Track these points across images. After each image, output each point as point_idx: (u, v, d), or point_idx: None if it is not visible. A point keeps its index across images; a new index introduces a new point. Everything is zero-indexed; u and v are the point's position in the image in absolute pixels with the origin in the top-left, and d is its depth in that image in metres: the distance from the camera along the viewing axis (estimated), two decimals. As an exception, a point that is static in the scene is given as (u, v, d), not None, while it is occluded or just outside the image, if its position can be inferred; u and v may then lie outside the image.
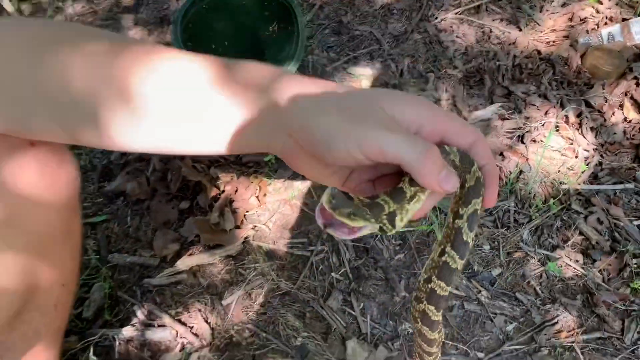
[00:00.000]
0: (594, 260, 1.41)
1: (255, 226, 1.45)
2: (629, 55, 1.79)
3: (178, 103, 0.57)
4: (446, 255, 0.56)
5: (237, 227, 1.44)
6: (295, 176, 1.55)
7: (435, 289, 0.57)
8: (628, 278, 1.37)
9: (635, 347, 1.28)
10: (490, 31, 1.93)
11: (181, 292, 1.34)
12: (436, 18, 1.95)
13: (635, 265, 1.38)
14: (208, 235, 1.41)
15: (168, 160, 1.51)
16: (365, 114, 0.52)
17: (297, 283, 1.36)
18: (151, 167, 1.50)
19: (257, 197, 1.51)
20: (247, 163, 1.57)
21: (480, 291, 1.37)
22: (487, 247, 1.44)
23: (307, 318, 1.32)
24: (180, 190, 1.48)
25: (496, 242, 1.45)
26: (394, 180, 0.57)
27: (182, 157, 1.50)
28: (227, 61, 0.58)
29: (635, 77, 1.72)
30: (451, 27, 1.94)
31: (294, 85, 0.55)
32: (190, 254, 1.39)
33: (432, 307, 0.58)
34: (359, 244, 1.43)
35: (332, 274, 1.39)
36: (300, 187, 1.53)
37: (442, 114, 0.56)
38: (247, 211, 1.48)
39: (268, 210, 1.49)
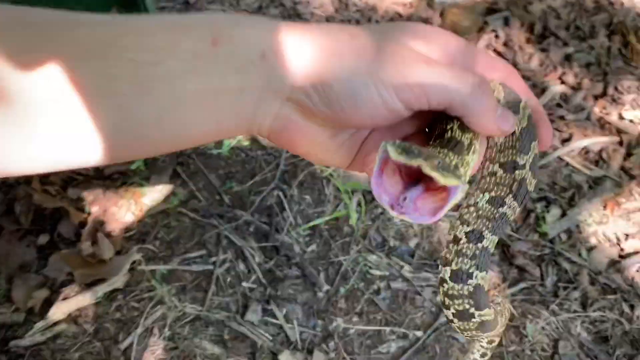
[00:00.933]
0: (500, 212, 1.41)
1: (140, 247, 1.21)
2: (481, 10, 1.83)
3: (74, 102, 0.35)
4: (507, 206, 0.43)
5: (118, 252, 1.19)
6: (174, 179, 1.33)
7: (488, 246, 0.43)
8: (534, 223, 1.39)
9: (556, 289, 1.29)
10: (347, -1, 1.85)
11: (63, 346, 1.07)
12: (290, -10, 1.83)
13: (539, 210, 1.40)
14: (83, 271, 1.15)
15: (10, 188, 1.19)
16: (393, 53, 0.37)
17: (206, 303, 1.16)
18: (-12, 201, 1.18)
19: (133, 212, 1.26)
20: (111, 175, 1.32)
21: (402, 266, 1.28)
22: (397, 220, 1.36)
23: (227, 341, 1.13)
24: (35, 223, 1.19)
25: (405, 213, 1.37)
26: (419, 141, 0.43)
27: (28, 181, 1.20)
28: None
29: (493, 30, 1.76)
30: (307, -2, 1.83)
31: (283, 33, 0.37)
32: (65, 298, 1.12)
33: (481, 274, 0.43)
34: (266, 244, 1.27)
35: (243, 283, 1.21)
36: (182, 192, 1.32)
37: (468, 46, 0.43)
38: (125, 232, 1.23)
39: (151, 226, 1.25)
